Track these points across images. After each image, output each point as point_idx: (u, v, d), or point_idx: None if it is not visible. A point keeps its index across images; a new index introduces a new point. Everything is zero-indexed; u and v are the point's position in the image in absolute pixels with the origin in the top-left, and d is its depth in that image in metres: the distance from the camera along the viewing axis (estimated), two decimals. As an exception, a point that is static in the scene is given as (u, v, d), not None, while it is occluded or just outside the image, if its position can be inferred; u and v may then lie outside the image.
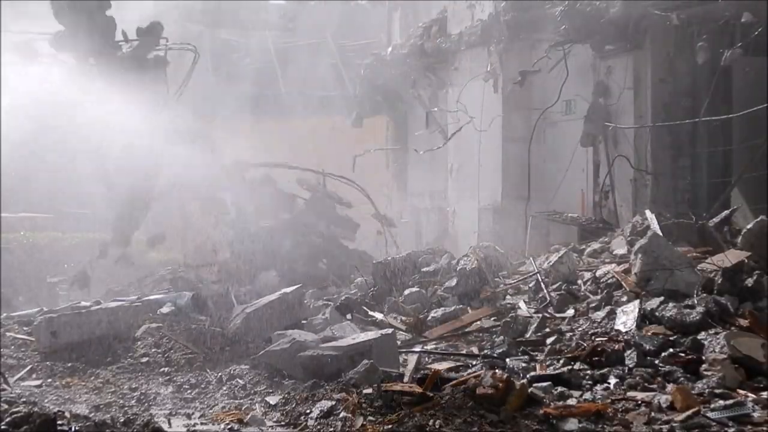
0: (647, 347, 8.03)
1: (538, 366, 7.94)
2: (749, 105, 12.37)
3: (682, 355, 7.90)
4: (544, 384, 7.27)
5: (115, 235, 14.26)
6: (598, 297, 9.59)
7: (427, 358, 8.61)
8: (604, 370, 7.68)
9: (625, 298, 9.31)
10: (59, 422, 6.06)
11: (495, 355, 8.42)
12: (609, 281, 9.86)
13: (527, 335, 8.94)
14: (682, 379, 7.50)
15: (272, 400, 7.31)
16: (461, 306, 10.22)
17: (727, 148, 13.30)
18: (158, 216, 15.11)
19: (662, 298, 8.89)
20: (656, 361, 7.82)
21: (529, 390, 6.93)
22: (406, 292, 10.85)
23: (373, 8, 24.77)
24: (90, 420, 6.40)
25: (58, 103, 12.87)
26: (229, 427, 6.70)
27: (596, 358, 7.92)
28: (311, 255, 15.24)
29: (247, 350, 9.27)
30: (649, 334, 8.34)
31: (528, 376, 7.55)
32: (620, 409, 6.84)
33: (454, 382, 7.34)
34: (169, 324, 10.18)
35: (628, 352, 7.93)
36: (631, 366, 7.73)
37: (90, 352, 9.53)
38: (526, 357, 8.25)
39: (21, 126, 12.25)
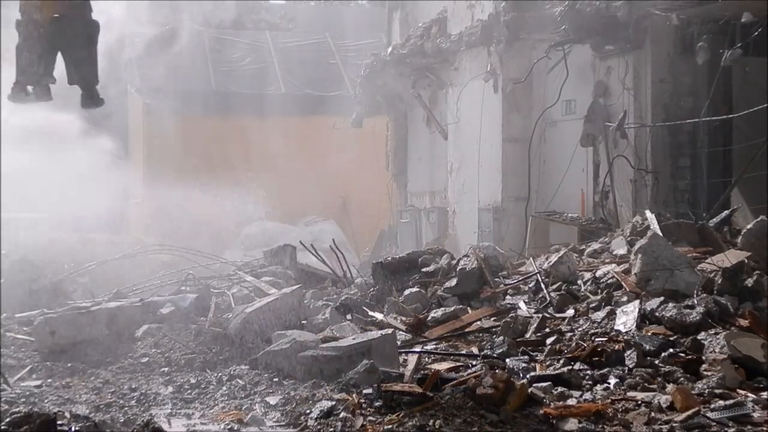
0: (647, 347, 8.02)
1: (538, 366, 7.93)
2: (749, 105, 12.36)
3: (682, 355, 7.89)
4: (544, 384, 7.26)
5: None
6: (598, 297, 9.57)
7: (427, 358, 8.60)
8: (604, 370, 7.67)
9: (625, 298, 9.30)
10: (59, 422, 6.05)
11: (495, 355, 8.40)
12: (609, 281, 9.84)
13: (527, 335, 8.92)
14: (682, 379, 7.49)
15: (272, 400, 7.31)
16: (461, 306, 10.20)
17: (727, 148, 13.29)
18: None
19: (662, 298, 8.88)
20: (656, 361, 7.81)
21: (529, 390, 6.93)
22: (406, 292, 10.82)
23: (373, 8, 24.74)
24: (90, 420, 6.40)
25: None
26: (229, 427, 6.70)
27: (596, 358, 7.91)
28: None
29: (247, 350, 9.26)
30: (649, 334, 8.33)
31: (528, 376, 7.54)
32: (620, 409, 6.84)
33: (454, 382, 7.34)
34: (169, 324, 10.17)
35: (628, 352, 7.92)
36: (631, 366, 7.72)
37: (90, 352, 9.53)
38: (526, 357, 8.24)
39: None
